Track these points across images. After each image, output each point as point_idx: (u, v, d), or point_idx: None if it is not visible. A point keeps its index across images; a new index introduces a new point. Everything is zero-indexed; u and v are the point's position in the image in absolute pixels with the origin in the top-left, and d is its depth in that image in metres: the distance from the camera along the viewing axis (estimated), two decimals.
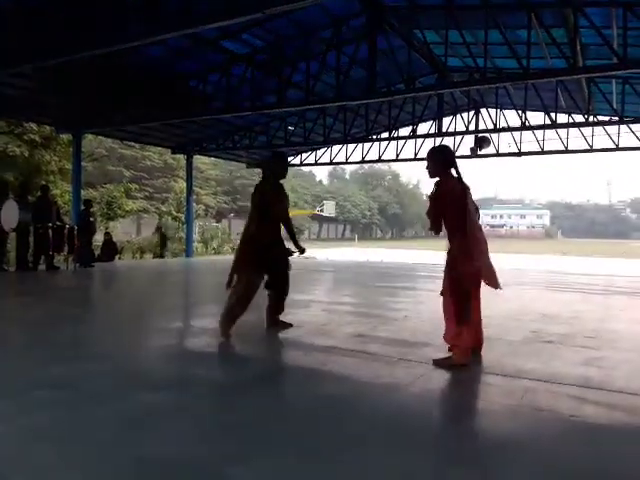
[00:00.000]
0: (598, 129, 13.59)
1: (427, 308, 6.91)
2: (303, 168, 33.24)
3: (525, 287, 9.47)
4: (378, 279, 11.15)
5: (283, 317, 5.06)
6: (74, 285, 9.12)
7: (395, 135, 15.80)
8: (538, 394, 3.17)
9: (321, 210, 34.39)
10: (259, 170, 19.95)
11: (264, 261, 4.52)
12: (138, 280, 10.51)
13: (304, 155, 18.84)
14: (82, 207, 12.60)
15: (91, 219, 12.31)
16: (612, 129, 13.52)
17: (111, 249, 14.30)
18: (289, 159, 19.31)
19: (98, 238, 14.61)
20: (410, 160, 16.60)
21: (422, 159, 16.23)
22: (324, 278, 11.62)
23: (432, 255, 20.90)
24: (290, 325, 4.99)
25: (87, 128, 13.56)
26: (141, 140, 17.46)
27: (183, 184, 27.18)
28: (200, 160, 30.66)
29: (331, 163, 18.31)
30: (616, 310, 7.07)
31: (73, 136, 13.80)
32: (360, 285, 10.15)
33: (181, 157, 22.37)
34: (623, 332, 5.24)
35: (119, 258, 15.78)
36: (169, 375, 3.56)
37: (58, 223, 10.91)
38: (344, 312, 6.41)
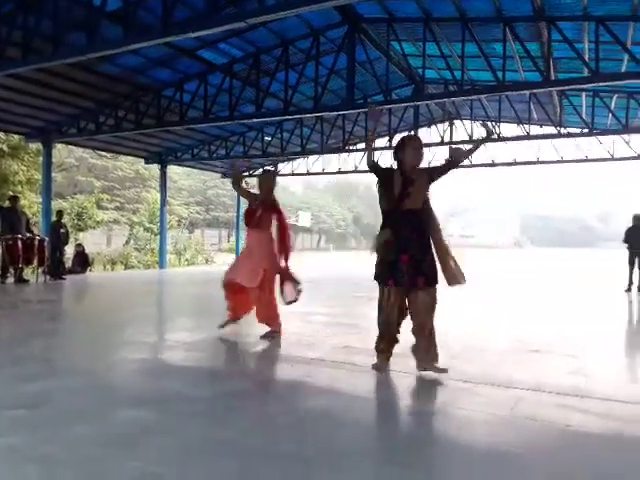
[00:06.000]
0: (569, 141, 13.96)
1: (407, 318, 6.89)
2: (277, 179, 33.18)
3: None
4: (355, 289, 11.10)
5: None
6: (45, 298, 8.81)
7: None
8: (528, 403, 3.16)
9: (296, 220, 34.32)
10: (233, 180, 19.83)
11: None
12: (111, 292, 10.23)
13: (280, 165, 18.80)
14: (54, 218, 12.26)
15: (62, 230, 11.97)
16: (582, 141, 13.92)
17: (83, 261, 13.92)
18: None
19: (69, 250, 14.20)
20: None
21: None
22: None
23: None
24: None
25: (58, 137, 13.21)
26: (113, 150, 17.11)
27: (155, 194, 26.79)
28: (173, 170, 30.31)
29: (308, 174, 18.33)
30: None
31: (43, 145, 13.42)
32: (338, 295, 10.09)
33: (153, 167, 22.04)
34: None
35: (90, 270, 15.37)
36: (149, 390, 3.43)
37: (28, 234, 10.57)
38: (327, 323, 6.34)
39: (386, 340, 3.83)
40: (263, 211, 5.08)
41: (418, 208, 3.68)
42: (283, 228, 5.17)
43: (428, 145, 15.16)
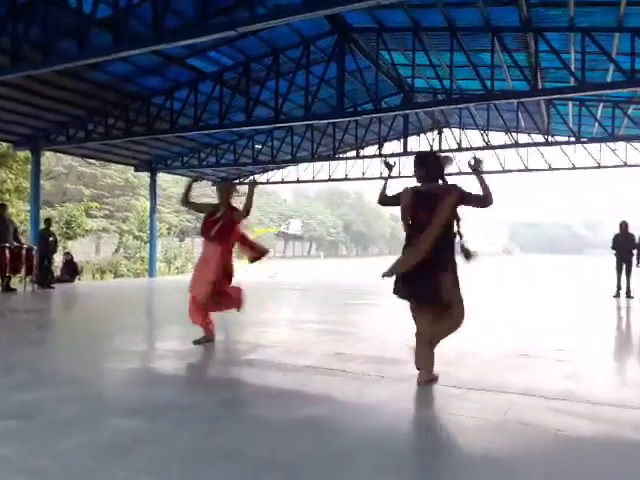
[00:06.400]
0: (556, 149, 14.13)
1: (399, 324, 6.91)
2: (268, 187, 33.23)
3: None
4: (345, 297, 11.11)
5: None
6: (33, 308, 8.71)
7: (361, 154, 15.98)
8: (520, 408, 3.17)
9: (287, 228, 34.31)
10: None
11: None
12: (100, 301, 10.13)
13: (270, 173, 18.82)
14: (42, 226, 12.15)
15: (51, 239, 11.86)
16: (569, 149, 14.09)
17: (72, 269, 13.79)
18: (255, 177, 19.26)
19: (58, 258, 14.07)
20: (376, 179, 16.80)
21: (387, 178, 16.47)
22: (291, 296, 11.51)
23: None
24: None
25: (46, 145, 13.12)
26: (103, 157, 17.02)
27: (145, 202, 26.63)
28: (162, 178, 30.19)
29: (298, 181, 18.34)
30: None
31: (31, 153, 13.33)
32: (328, 302, 10.09)
33: (142, 175, 21.94)
34: None
35: (79, 279, 15.23)
36: (140, 399, 3.40)
37: (16, 243, 10.46)
38: (317, 330, 6.34)
39: None
40: (224, 223, 4.94)
41: None
42: (242, 239, 5.15)
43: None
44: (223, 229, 4.93)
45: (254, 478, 2.24)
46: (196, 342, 4.98)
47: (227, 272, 4.97)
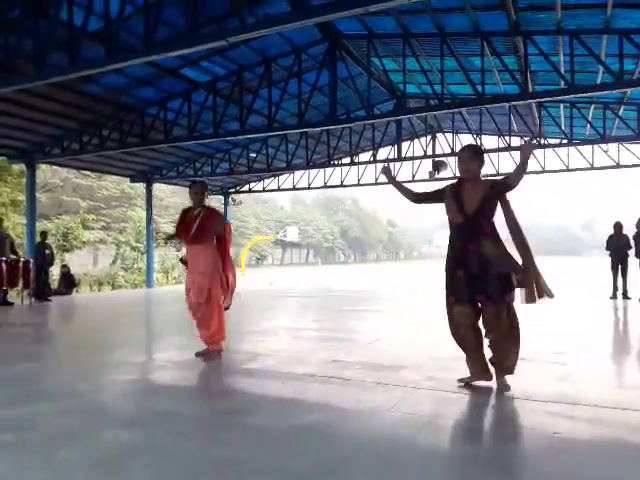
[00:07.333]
0: (550, 151, 14.20)
1: (396, 330, 6.94)
2: (265, 194, 33.24)
3: None
4: (343, 303, 11.12)
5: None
6: (30, 321, 8.69)
7: (356, 160, 16.04)
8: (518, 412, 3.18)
9: (284, 235, 34.32)
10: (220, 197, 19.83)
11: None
12: (98, 313, 10.11)
13: (267, 181, 18.86)
14: (38, 239, 12.14)
15: (47, 251, 11.85)
16: (562, 151, 14.17)
17: (69, 282, 13.77)
18: (250, 186, 19.29)
19: (55, 271, 14.06)
20: (371, 185, 16.87)
21: (382, 183, 16.54)
22: (289, 304, 11.51)
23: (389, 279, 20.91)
24: None
25: (41, 157, 13.15)
26: (98, 169, 17.05)
27: (141, 213, 26.67)
28: (159, 188, 30.23)
29: (294, 189, 18.39)
30: None
31: (26, 166, 13.34)
32: (326, 309, 10.09)
33: (138, 185, 21.96)
34: None
35: (76, 291, 15.20)
36: (138, 411, 3.40)
37: (12, 256, 10.45)
38: (315, 338, 6.34)
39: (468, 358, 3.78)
40: (201, 222, 4.80)
41: (470, 218, 3.58)
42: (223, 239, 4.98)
43: (413, 159, 15.36)
44: (202, 227, 4.81)
45: None
46: (198, 354, 4.95)
47: (218, 277, 4.87)
